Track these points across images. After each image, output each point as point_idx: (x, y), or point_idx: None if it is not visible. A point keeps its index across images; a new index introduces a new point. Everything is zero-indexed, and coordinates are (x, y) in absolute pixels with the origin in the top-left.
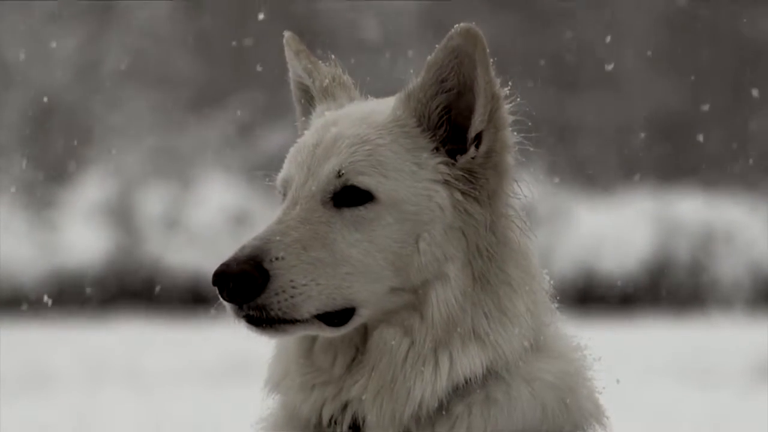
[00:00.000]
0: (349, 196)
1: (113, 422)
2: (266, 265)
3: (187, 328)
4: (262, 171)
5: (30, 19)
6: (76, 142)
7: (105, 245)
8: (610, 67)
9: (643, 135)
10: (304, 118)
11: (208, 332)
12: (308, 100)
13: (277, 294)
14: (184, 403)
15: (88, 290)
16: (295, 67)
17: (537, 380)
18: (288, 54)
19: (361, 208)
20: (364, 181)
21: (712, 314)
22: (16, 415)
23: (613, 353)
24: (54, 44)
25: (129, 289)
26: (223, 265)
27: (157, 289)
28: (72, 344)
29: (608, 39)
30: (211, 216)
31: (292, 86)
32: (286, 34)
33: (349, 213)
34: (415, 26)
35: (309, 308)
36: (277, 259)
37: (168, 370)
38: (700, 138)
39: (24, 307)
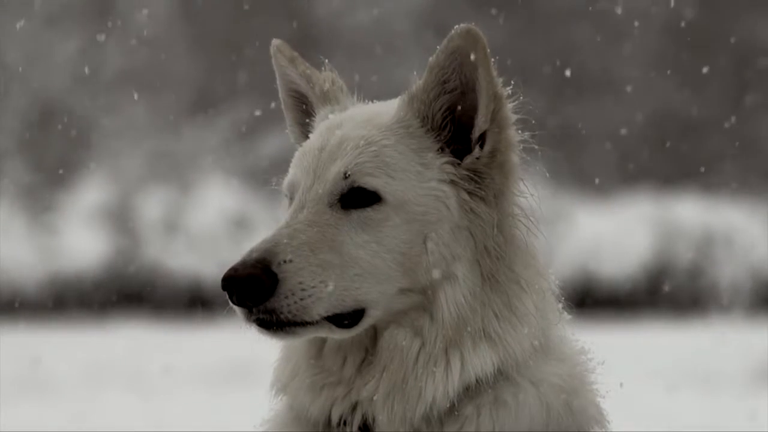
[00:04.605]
0: (356, 198)
1: (113, 425)
2: (274, 269)
3: (186, 332)
4: (266, 175)
5: (29, 23)
6: (75, 146)
7: (104, 249)
8: (609, 70)
9: (642, 138)
10: (308, 120)
11: (208, 335)
12: (308, 106)
13: (286, 297)
14: (184, 407)
15: (88, 294)
16: (290, 74)
17: (544, 382)
18: (281, 61)
19: (368, 209)
20: (371, 182)
21: (712, 318)
22: (16, 419)
23: (612, 357)
24: (54, 48)
25: (129, 293)
26: (231, 269)
27: (157, 292)
28: (72, 348)
29: (608, 43)
30: (211, 219)
31: (283, 94)
32: (276, 42)
33: (356, 214)
34: (413, 29)
35: (319, 310)
36: (285, 262)
37: (168, 374)
38: (700, 141)
39: (24, 310)
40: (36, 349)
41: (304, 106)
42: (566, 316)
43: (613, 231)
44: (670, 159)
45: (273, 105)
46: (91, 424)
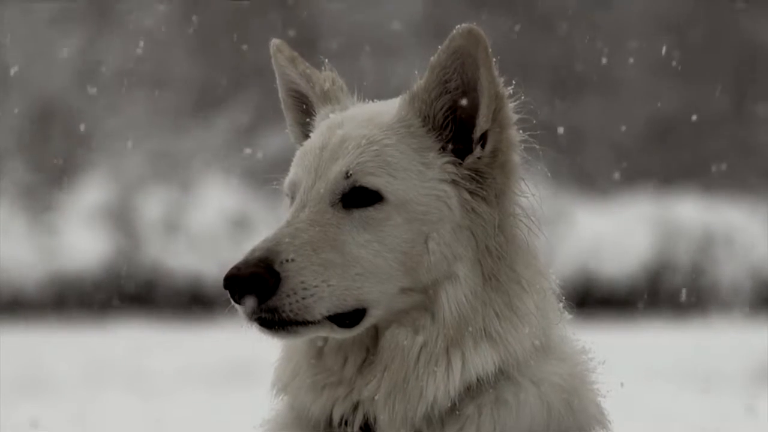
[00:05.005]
0: (357, 197)
1: (114, 426)
2: (277, 267)
3: (187, 332)
4: (267, 175)
5: (30, 23)
6: (75, 146)
7: (105, 248)
8: (610, 70)
9: (642, 138)
10: (308, 120)
11: (208, 335)
12: (308, 106)
13: (288, 296)
14: (185, 407)
15: (88, 293)
16: (290, 73)
17: (545, 382)
18: (280, 61)
19: (370, 208)
20: (373, 182)
21: (712, 317)
22: (17, 419)
23: (613, 356)
24: (54, 48)
25: (129, 293)
26: (234, 268)
27: (157, 292)
28: (72, 348)
29: (608, 43)
30: (211, 219)
31: (282, 94)
32: (275, 41)
33: (358, 214)
34: (413, 30)
35: (320, 309)
36: (287, 261)
37: (168, 374)
38: (700, 141)
39: (24, 310)
40: (36, 349)
41: (304, 106)
42: (567, 315)
43: (613, 231)
44: (670, 159)
45: (273, 105)
46: (91, 424)
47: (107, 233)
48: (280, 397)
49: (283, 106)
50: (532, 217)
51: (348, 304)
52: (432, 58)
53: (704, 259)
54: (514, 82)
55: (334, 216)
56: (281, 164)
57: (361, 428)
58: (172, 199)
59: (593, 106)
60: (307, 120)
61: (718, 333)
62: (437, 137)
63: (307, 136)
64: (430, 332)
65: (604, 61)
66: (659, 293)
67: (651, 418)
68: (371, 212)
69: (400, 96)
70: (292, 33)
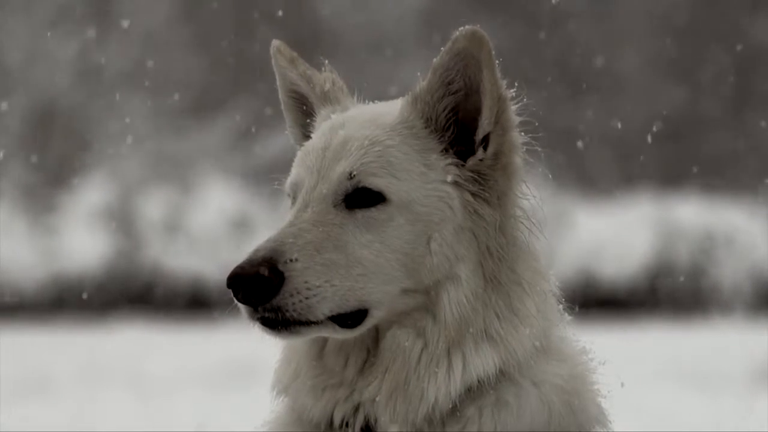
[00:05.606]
0: (360, 198)
1: (113, 426)
2: (281, 267)
3: (187, 333)
4: (269, 175)
5: (31, 24)
6: (76, 147)
7: (105, 250)
8: (610, 71)
9: (643, 139)
10: (308, 121)
11: (208, 336)
12: (308, 107)
13: (291, 295)
14: (185, 408)
15: (89, 295)
16: (289, 75)
17: (546, 383)
18: (281, 62)
19: (372, 209)
20: (376, 183)
21: (712, 318)
22: (17, 420)
23: (613, 357)
24: (54, 48)
25: (129, 294)
26: (237, 267)
27: (158, 293)
28: (72, 349)
29: (609, 43)
30: (212, 220)
31: (282, 95)
32: (275, 42)
33: (360, 214)
34: (414, 31)
35: (323, 309)
36: (291, 260)
37: (169, 375)
38: (701, 142)
39: (24, 310)
40: (36, 350)
41: (304, 107)
42: (567, 317)
43: (613, 231)
44: (670, 160)
45: (273, 106)
46: (91, 424)
47: (108, 234)
48: (281, 399)
49: (283, 107)
50: (532, 219)
51: (350, 304)
52: (435, 60)
53: (705, 259)
54: (516, 84)
55: (337, 216)
56: (282, 165)
57: (362, 429)
58: (172, 200)
59: (594, 105)
60: (308, 121)
61: (719, 333)
62: (440, 139)
63: (307, 137)
64: (432, 333)
65: (604, 61)
66: (660, 294)
67: (651, 418)
68: (374, 213)
69: (402, 97)
70: (292, 33)
